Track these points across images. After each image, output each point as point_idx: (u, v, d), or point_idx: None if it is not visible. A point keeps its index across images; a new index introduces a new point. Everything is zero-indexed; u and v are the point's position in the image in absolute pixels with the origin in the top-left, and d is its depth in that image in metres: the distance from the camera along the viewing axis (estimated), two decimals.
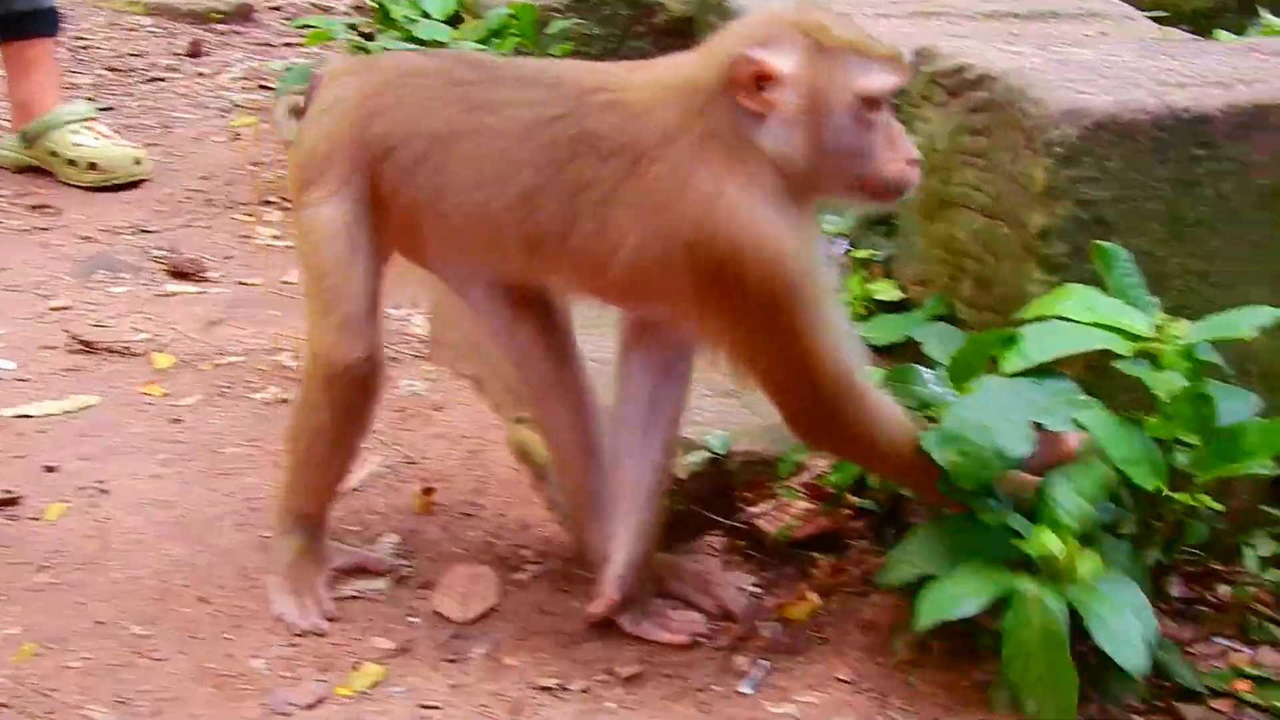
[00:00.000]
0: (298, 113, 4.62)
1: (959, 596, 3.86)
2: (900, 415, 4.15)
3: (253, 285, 6.99)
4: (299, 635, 4.45)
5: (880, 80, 3.95)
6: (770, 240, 3.90)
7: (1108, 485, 3.97)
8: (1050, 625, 3.81)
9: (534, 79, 4.24)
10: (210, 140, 8.92)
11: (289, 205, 7.75)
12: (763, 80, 3.92)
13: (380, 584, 4.72)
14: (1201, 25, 7.62)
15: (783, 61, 3.92)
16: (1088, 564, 3.83)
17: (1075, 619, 3.86)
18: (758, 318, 3.98)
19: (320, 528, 4.72)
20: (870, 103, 3.95)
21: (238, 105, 9.51)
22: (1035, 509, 3.96)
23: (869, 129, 3.98)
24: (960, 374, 4.16)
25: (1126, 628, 3.76)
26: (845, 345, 4.06)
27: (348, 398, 4.45)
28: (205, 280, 7.04)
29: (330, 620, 4.52)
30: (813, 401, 4.09)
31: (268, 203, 7.85)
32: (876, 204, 4.14)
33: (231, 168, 8.32)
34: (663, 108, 4.03)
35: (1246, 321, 4.05)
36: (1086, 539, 3.96)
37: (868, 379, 4.13)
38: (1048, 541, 3.84)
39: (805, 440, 4.31)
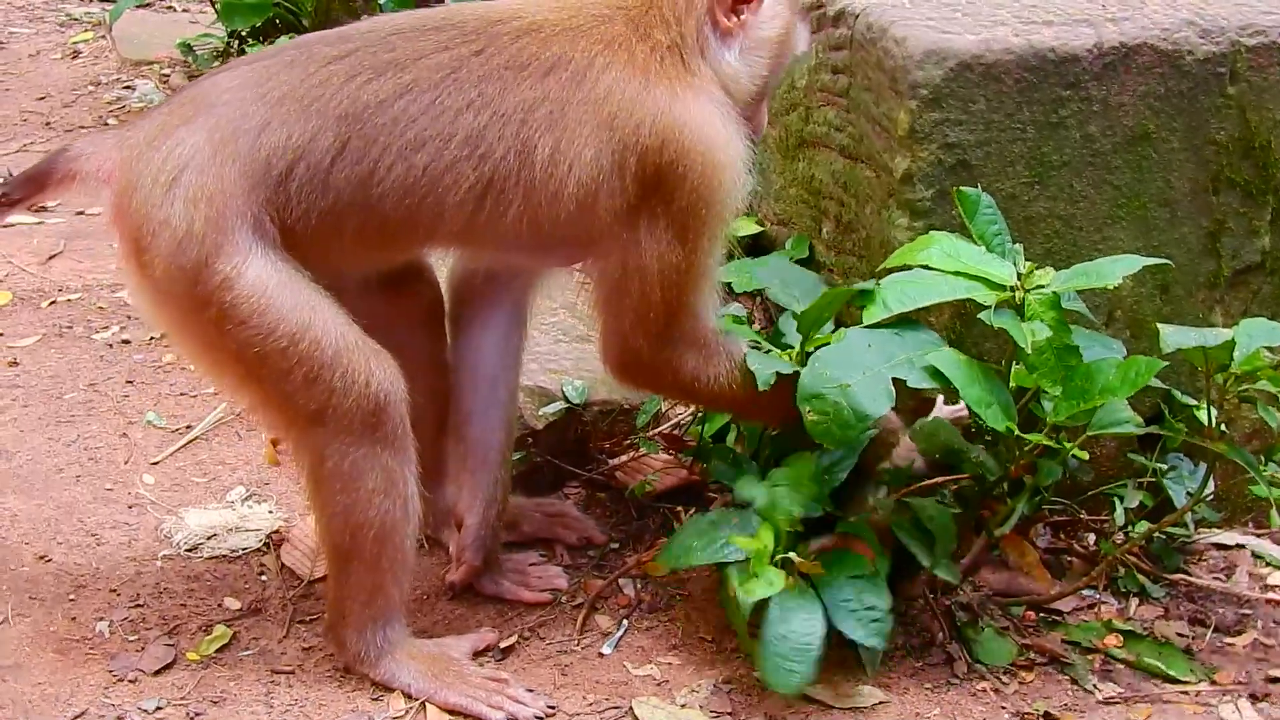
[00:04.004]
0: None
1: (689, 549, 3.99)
2: (735, 356, 4.05)
3: (93, 216, 6.75)
4: None
5: (807, 43, 4.22)
6: (720, 145, 3.88)
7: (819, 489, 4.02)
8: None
9: (424, 27, 3.96)
10: (48, 57, 8.68)
11: None
12: (740, 4, 3.99)
13: (230, 540, 4.58)
14: None
15: None
16: (770, 576, 3.85)
17: None
18: (678, 221, 3.89)
19: (402, 611, 4.14)
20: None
21: (75, 19, 9.27)
22: (760, 508, 4.02)
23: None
24: (810, 326, 4.06)
25: (791, 638, 3.82)
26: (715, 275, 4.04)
27: (391, 433, 3.91)
28: (43, 210, 6.82)
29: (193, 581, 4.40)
30: (665, 323, 3.95)
31: (108, 125, 7.63)
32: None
33: (70, 87, 8.11)
34: (602, 22, 3.95)
35: (1113, 270, 3.97)
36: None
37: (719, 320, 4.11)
38: (749, 543, 3.91)
39: (628, 370, 4.12)
